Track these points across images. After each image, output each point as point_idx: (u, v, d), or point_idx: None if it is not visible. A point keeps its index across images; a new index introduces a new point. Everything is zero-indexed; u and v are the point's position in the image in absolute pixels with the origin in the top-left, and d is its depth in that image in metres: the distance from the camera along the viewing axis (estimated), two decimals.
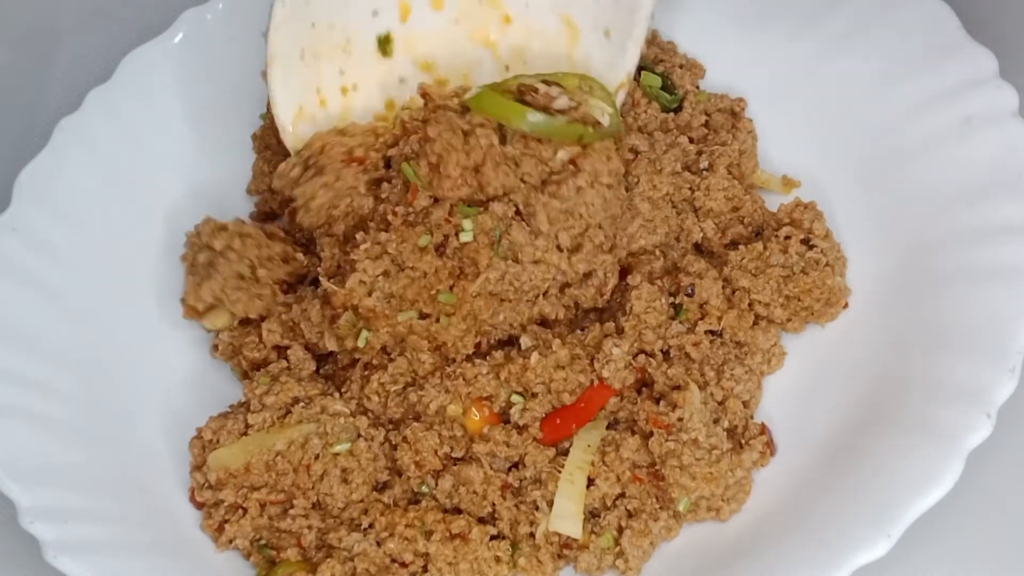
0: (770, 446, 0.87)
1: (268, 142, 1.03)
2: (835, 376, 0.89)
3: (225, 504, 0.88)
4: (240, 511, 0.88)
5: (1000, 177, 0.88)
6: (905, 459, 0.79)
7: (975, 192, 0.88)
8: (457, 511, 0.86)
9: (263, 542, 0.87)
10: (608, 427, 0.88)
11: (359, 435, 0.88)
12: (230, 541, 0.87)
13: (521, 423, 0.87)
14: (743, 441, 0.86)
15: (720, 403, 0.87)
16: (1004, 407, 0.79)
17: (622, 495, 0.86)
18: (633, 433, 0.86)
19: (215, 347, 0.96)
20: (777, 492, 0.85)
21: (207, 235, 0.98)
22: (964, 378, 0.81)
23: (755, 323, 0.90)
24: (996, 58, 0.91)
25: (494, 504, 0.86)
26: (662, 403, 0.86)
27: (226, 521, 0.87)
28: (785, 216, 0.94)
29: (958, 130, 0.91)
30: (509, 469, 0.87)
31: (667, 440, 0.84)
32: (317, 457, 0.87)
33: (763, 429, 0.87)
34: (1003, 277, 0.84)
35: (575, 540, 0.84)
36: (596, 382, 0.88)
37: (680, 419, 0.84)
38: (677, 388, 0.87)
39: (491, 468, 0.86)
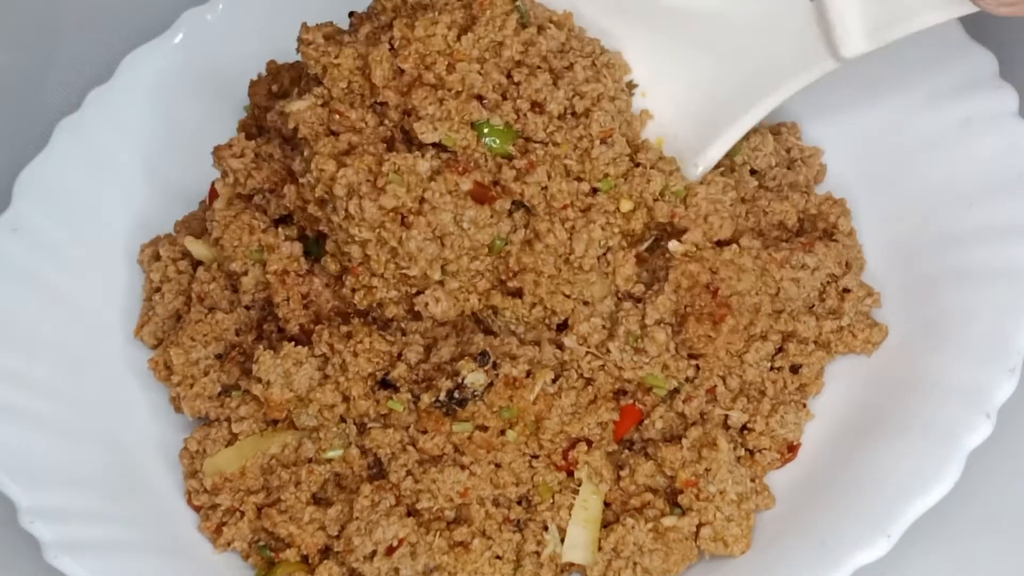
0: (791, 458, 0.86)
1: (250, 131, 1.02)
2: (835, 376, 0.89)
3: (222, 508, 0.88)
4: (237, 514, 0.87)
5: (1000, 177, 0.88)
6: (905, 459, 0.79)
7: (975, 192, 0.88)
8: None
9: (261, 543, 0.87)
10: (621, 445, 0.87)
11: (351, 442, 0.87)
12: (228, 543, 0.87)
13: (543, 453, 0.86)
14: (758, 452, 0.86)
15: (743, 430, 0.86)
16: (1004, 407, 0.79)
17: (640, 510, 0.84)
18: (647, 458, 0.85)
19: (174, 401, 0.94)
20: (777, 492, 0.85)
21: (146, 264, 0.98)
22: (964, 378, 0.81)
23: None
24: (996, 58, 0.91)
25: (493, 537, 0.84)
26: (685, 444, 0.84)
27: (224, 523, 0.87)
28: (814, 208, 0.93)
29: (958, 130, 0.91)
30: (519, 501, 0.86)
31: (697, 499, 0.82)
32: (311, 460, 0.87)
33: (792, 447, 0.86)
34: (1003, 277, 0.84)
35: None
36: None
37: (707, 469, 0.82)
38: (700, 424, 0.86)
39: (494, 506, 0.85)
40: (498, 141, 0.86)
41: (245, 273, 0.91)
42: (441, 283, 0.86)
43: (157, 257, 0.98)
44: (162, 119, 1.04)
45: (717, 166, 0.92)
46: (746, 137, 0.94)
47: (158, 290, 0.97)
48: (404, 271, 0.85)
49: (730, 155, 0.93)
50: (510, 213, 0.87)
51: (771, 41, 0.86)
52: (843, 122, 0.97)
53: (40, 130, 1.02)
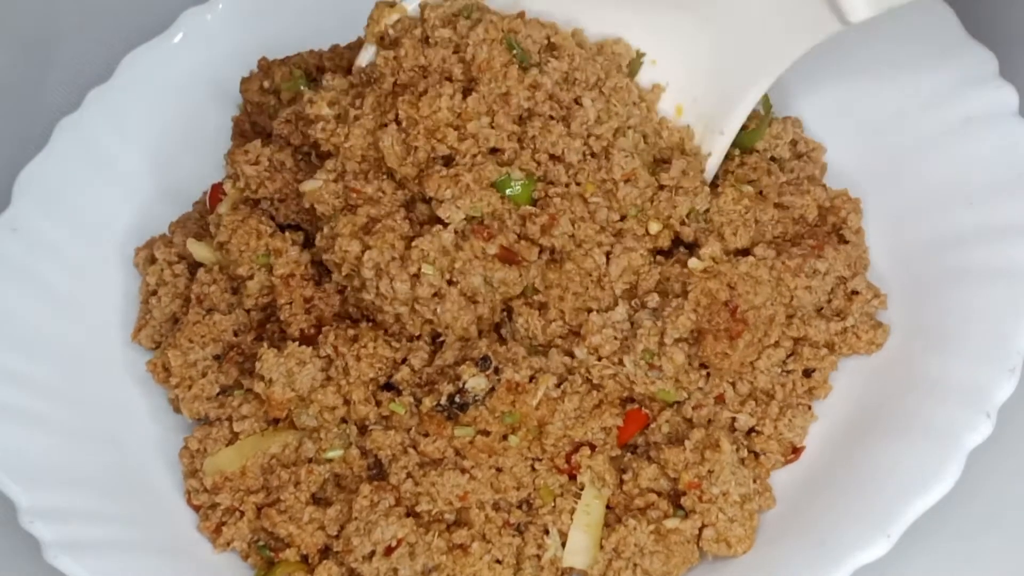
0: (794, 459, 0.86)
1: (243, 128, 1.02)
2: (835, 376, 0.88)
3: (222, 507, 0.88)
4: (237, 513, 0.87)
5: (1000, 177, 0.88)
6: (905, 459, 0.79)
7: (975, 192, 0.88)
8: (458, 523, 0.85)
9: (261, 543, 0.87)
10: (625, 450, 0.87)
11: (351, 443, 0.87)
12: (228, 543, 0.87)
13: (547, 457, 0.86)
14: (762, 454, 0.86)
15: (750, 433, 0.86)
16: (1004, 407, 0.79)
17: (643, 511, 0.84)
18: (650, 461, 0.85)
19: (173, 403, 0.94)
20: (777, 492, 0.85)
21: (142, 267, 0.98)
22: (964, 378, 0.81)
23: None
24: (996, 58, 0.91)
25: (493, 541, 0.84)
26: (688, 446, 0.84)
27: (223, 523, 0.87)
28: (828, 201, 0.93)
29: (958, 129, 0.91)
30: (519, 504, 0.86)
31: (700, 501, 0.82)
32: (311, 460, 0.87)
33: (796, 450, 0.86)
34: (1003, 277, 0.84)
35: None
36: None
37: (710, 471, 0.82)
38: (704, 426, 0.86)
39: (494, 510, 0.85)
40: (520, 189, 0.86)
41: (251, 277, 0.91)
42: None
43: (152, 260, 0.97)
44: (162, 119, 1.04)
45: (734, 163, 0.93)
46: (769, 124, 0.94)
47: (154, 293, 0.96)
48: (442, 339, 0.87)
49: (741, 144, 0.93)
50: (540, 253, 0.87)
51: (778, 5, 0.85)
52: (844, 121, 0.97)
53: (40, 130, 1.02)
